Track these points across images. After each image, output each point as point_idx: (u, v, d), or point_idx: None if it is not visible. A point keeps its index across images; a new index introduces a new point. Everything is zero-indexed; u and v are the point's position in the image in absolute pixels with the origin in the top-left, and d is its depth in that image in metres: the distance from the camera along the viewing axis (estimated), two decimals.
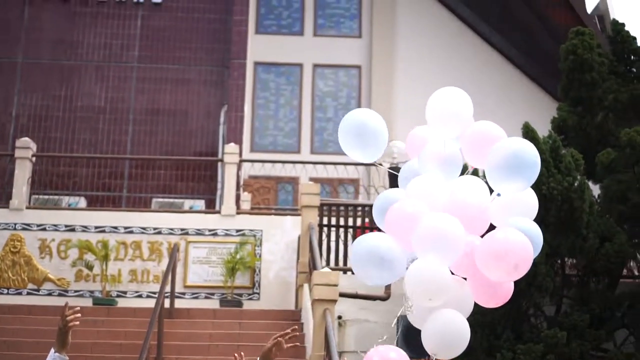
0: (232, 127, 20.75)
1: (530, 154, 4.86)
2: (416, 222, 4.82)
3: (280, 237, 16.46)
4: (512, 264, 4.74)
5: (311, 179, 21.09)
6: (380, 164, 6.36)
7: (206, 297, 15.59)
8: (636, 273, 14.85)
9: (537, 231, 5.06)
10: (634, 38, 14.67)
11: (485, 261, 4.77)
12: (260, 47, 23.88)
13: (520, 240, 4.76)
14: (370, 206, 16.46)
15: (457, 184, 5.06)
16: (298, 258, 15.25)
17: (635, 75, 14.56)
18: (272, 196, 22.63)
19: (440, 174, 5.12)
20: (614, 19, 14.81)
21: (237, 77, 21.13)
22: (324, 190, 22.49)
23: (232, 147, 17.54)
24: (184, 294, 15.39)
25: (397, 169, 14.23)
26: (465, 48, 24.51)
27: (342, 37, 24.47)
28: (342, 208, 16.05)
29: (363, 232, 15.40)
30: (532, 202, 5.13)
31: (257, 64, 24.01)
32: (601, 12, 26.39)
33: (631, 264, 14.55)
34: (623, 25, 14.70)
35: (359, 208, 15.81)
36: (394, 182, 13.72)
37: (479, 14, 24.55)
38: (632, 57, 14.63)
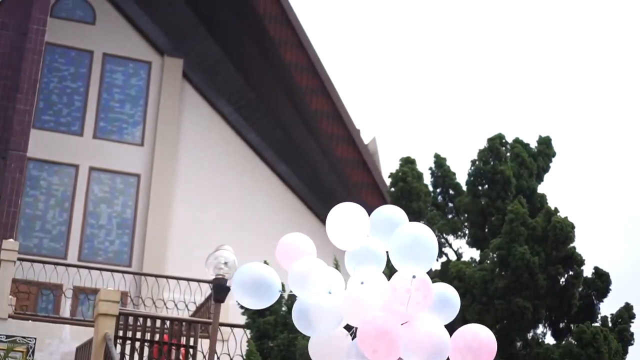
0: (3, 223, 18.94)
1: (429, 237, 5.89)
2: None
3: (56, 347, 15.01)
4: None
5: (75, 288, 19.65)
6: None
7: None
8: None
9: None
10: (454, 173, 15.02)
11: None
12: (34, 143, 22.33)
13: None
14: (175, 319, 15.41)
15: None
16: None
17: (452, 209, 14.84)
18: (32, 302, 20.78)
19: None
20: (435, 153, 15.11)
21: (14, 170, 19.47)
22: (87, 301, 21.01)
23: (11, 244, 16.02)
24: None
25: (224, 280, 13.15)
26: (248, 172, 24.33)
27: (123, 143, 23.48)
28: (140, 320, 14.81)
29: (167, 347, 14.30)
30: None
31: (28, 160, 22.40)
32: (373, 151, 27.27)
33: None
34: (445, 159, 15.02)
35: (167, 322, 14.66)
36: (218, 293, 12.90)
37: (267, 141, 24.57)
38: (451, 191, 14.92)
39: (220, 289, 12.81)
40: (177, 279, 18.11)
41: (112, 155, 23.11)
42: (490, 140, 14.29)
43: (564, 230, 12.60)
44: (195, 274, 19.08)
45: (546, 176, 15.38)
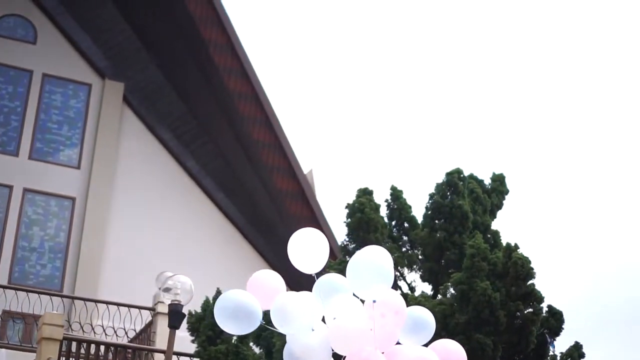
0: None
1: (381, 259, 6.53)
2: None
3: None
4: None
5: (5, 312, 19.01)
6: None
7: None
8: None
9: None
10: (410, 206, 14.98)
11: None
12: None
13: None
14: (121, 346, 14.95)
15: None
16: None
17: (407, 242, 14.78)
18: None
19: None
20: (392, 185, 15.04)
21: None
22: (14, 326, 20.32)
23: None
24: None
25: (180, 306, 12.84)
26: (186, 199, 23.97)
27: (59, 165, 22.90)
28: (84, 346, 14.36)
29: None
30: None
31: None
32: (310, 183, 27.14)
33: None
34: (401, 192, 14.98)
35: (111, 348, 14.23)
36: (174, 319, 12.56)
37: (206, 169, 24.26)
38: (406, 224, 14.86)
39: (176, 315, 12.50)
40: (117, 304, 17.63)
41: (47, 177, 22.51)
42: (448, 174, 14.31)
43: (525, 267, 12.64)
44: (129, 300, 18.66)
45: (499, 213, 15.49)
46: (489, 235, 14.53)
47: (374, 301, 6.39)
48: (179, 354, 15.07)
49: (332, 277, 6.94)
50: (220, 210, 24.31)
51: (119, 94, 23.76)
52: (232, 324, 6.91)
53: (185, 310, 13.06)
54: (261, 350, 13.96)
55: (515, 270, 12.62)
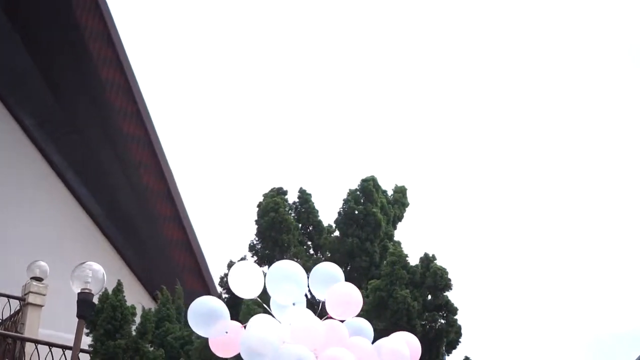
0: None
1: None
2: None
3: None
4: None
5: None
6: None
7: None
8: None
9: None
10: (317, 210, 14.81)
11: None
12: None
13: None
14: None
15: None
16: None
17: (311, 246, 14.61)
18: None
19: None
20: (301, 187, 14.81)
21: None
22: None
23: None
24: None
25: (90, 295, 12.26)
26: (44, 188, 22.79)
27: None
28: None
29: None
30: None
31: None
32: None
33: None
34: (310, 195, 14.78)
35: None
36: (83, 309, 11.86)
37: (68, 161, 23.17)
38: (313, 228, 14.68)
39: (85, 304, 11.78)
40: None
41: None
42: (364, 181, 14.26)
43: (443, 278, 12.73)
44: None
45: (399, 225, 15.56)
46: (393, 245, 14.56)
47: (294, 304, 7.00)
48: (60, 347, 14.31)
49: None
50: (80, 203, 23.24)
51: None
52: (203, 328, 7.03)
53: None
54: (160, 348, 13.40)
55: (434, 280, 12.69)
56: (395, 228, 15.29)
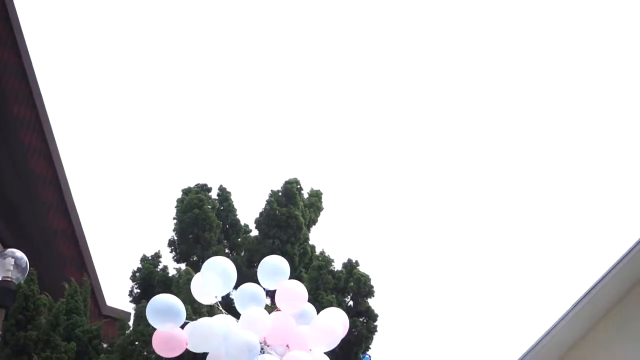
0: None
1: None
2: None
3: None
4: None
5: None
6: None
7: None
8: None
9: None
10: (236, 209, 14.66)
11: None
12: None
13: None
14: None
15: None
16: None
17: (229, 245, 14.44)
18: None
19: None
20: (221, 185, 14.58)
21: None
22: None
23: None
24: None
25: (12, 284, 11.93)
26: None
27: None
28: None
29: None
30: None
31: None
32: None
33: None
34: (230, 193, 14.60)
35: None
36: (4, 297, 11.37)
37: None
38: (230, 227, 14.52)
39: (7, 292, 11.27)
40: None
41: None
42: (287, 183, 14.19)
43: (367, 284, 12.81)
44: None
45: (312, 229, 15.58)
46: (314, 250, 14.58)
47: (216, 297, 7.30)
48: None
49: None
50: None
51: None
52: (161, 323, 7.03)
53: None
54: (70, 341, 12.96)
55: (358, 286, 12.76)
56: (309, 231, 15.31)
